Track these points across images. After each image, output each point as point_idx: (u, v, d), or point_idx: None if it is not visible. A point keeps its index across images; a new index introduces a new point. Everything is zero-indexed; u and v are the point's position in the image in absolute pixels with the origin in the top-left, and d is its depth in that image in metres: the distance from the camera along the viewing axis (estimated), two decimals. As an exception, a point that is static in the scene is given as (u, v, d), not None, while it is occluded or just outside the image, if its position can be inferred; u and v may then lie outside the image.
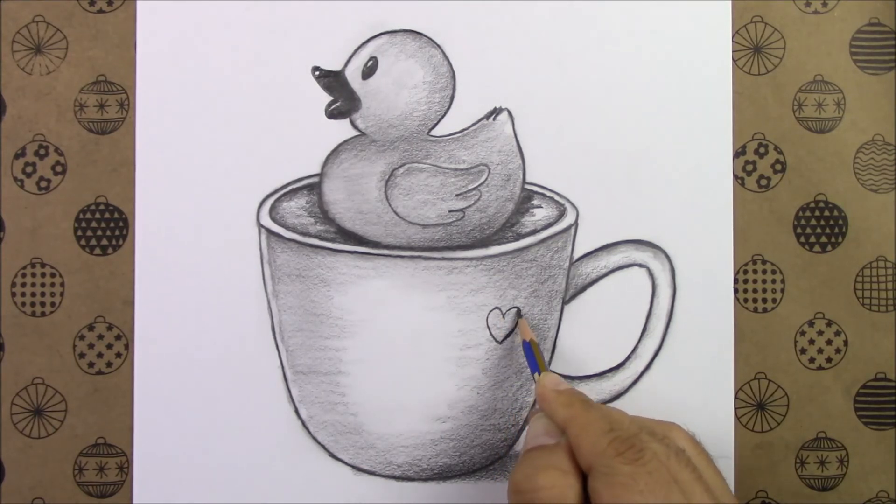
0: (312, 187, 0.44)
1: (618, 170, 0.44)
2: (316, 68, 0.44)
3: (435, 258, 0.42)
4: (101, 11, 0.44)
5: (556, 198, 0.44)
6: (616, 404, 0.44)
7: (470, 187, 0.43)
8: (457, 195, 0.43)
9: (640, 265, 0.44)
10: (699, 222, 0.44)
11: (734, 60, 0.45)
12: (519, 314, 0.43)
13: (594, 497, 0.32)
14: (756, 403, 0.44)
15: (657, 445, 0.33)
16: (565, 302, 0.44)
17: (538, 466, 0.33)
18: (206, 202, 0.44)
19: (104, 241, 0.44)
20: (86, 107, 0.44)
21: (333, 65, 0.44)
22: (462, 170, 0.43)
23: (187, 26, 0.44)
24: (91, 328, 0.44)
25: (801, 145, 0.45)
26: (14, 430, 0.44)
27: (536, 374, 0.39)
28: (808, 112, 0.45)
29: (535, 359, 0.40)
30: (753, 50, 0.45)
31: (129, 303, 0.44)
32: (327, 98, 0.44)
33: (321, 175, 0.44)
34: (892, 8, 0.45)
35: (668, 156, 0.44)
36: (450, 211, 0.43)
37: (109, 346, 0.44)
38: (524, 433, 0.38)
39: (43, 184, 0.44)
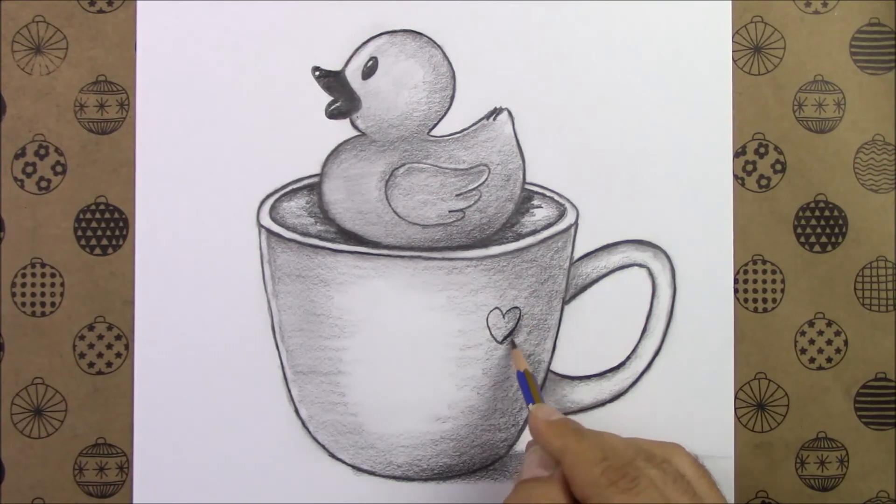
0: (312, 187, 0.44)
1: (618, 170, 0.44)
2: (316, 68, 0.44)
3: (435, 258, 0.42)
4: (101, 11, 0.44)
5: (556, 198, 0.44)
6: (616, 404, 0.44)
7: (470, 187, 0.43)
8: (457, 195, 0.43)
9: (640, 265, 0.44)
10: (699, 222, 0.44)
11: (734, 60, 0.45)
12: (513, 345, 0.43)
13: None
14: (756, 403, 0.44)
15: (654, 472, 0.32)
16: (565, 302, 0.44)
17: (532, 497, 0.33)
18: (206, 202, 0.44)
19: (104, 241, 0.44)
20: (86, 107, 0.44)
21: (333, 65, 0.44)
22: (462, 170, 0.43)
23: (187, 26, 0.44)
24: (91, 328, 0.44)
25: (801, 145, 0.45)
26: (14, 430, 0.44)
27: (531, 405, 0.39)
28: (808, 112, 0.45)
29: (530, 389, 0.39)
30: (753, 50, 0.45)
31: (129, 303, 0.44)
32: (327, 98, 0.44)
33: (321, 175, 0.44)
34: (892, 8, 0.45)
35: (668, 156, 0.44)
36: (450, 211, 0.43)
37: (109, 346, 0.44)
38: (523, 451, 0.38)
39: (43, 184, 0.44)
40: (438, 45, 0.44)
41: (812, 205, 0.45)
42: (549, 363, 0.44)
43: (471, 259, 0.42)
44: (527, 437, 0.44)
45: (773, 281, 0.45)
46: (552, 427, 0.36)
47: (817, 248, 0.45)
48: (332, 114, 0.44)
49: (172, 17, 0.44)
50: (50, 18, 0.44)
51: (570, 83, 0.44)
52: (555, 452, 0.35)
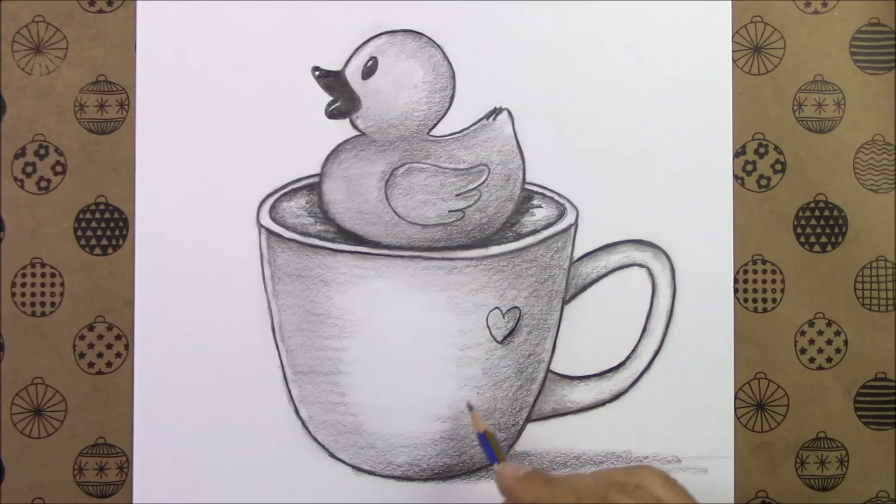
0: (312, 187, 0.44)
1: (618, 170, 0.44)
2: (316, 68, 0.44)
3: (435, 258, 0.42)
4: (101, 11, 0.45)
5: (556, 198, 0.44)
6: (616, 404, 0.44)
7: (470, 187, 0.43)
8: (457, 195, 0.43)
9: (640, 265, 0.44)
10: (699, 222, 0.44)
11: (734, 60, 0.45)
12: (470, 407, 0.42)
13: None
14: (756, 403, 0.44)
15: (628, 501, 0.33)
16: (565, 302, 0.44)
17: None
18: (206, 202, 0.44)
19: (104, 241, 0.44)
20: (86, 107, 0.44)
21: (333, 65, 0.44)
22: (462, 170, 0.43)
23: (187, 26, 0.44)
24: (91, 328, 0.44)
25: (801, 145, 0.45)
26: (14, 430, 0.44)
27: (496, 465, 0.39)
28: (808, 112, 0.45)
29: (492, 449, 0.39)
30: (753, 50, 0.45)
31: (129, 303, 0.44)
32: (327, 98, 0.44)
33: (321, 175, 0.44)
34: (892, 8, 0.45)
35: (668, 156, 0.44)
36: (450, 211, 0.43)
37: (109, 346, 0.44)
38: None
39: (43, 184, 0.44)
40: (438, 45, 0.44)
41: (812, 205, 0.45)
42: (549, 363, 0.44)
43: (471, 259, 0.42)
44: (526, 438, 0.44)
45: (773, 281, 0.45)
46: (522, 482, 0.36)
47: (817, 248, 0.45)
48: (332, 114, 0.44)
49: (172, 17, 0.44)
50: (50, 18, 0.44)
51: (570, 83, 0.44)
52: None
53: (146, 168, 0.44)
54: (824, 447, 0.45)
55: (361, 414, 0.43)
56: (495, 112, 0.44)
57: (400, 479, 0.44)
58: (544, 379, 0.44)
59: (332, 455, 0.44)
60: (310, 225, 0.43)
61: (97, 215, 0.44)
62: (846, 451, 0.44)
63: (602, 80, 0.44)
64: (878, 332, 0.45)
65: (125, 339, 0.44)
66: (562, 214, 0.44)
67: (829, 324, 0.45)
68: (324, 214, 0.43)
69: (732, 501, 0.44)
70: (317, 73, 0.44)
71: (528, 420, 0.44)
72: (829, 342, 0.45)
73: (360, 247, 0.42)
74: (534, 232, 0.43)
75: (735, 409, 0.44)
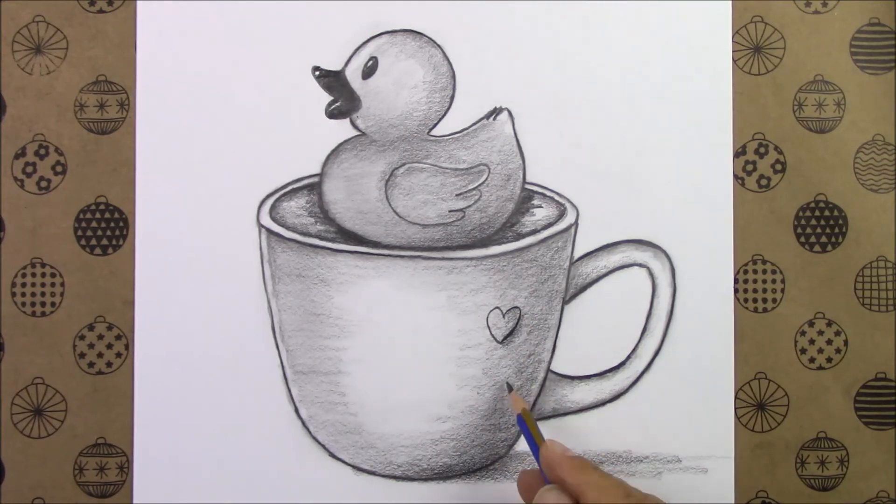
0: (312, 187, 0.44)
1: (618, 170, 0.44)
2: (316, 68, 0.44)
3: (435, 258, 0.42)
4: (101, 11, 0.45)
5: (556, 198, 0.44)
6: (616, 404, 0.44)
7: (470, 187, 0.43)
8: (457, 195, 0.43)
9: (640, 265, 0.44)
10: (699, 222, 0.44)
11: (734, 60, 0.45)
12: (509, 387, 0.42)
13: None
14: (756, 403, 0.44)
15: None
16: (565, 302, 0.44)
17: None
18: (206, 202, 0.44)
19: (104, 241, 0.44)
20: (86, 107, 0.44)
21: (333, 65, 0.44)
22: (462, 170, 0.43)
23: (187, 26, 0.44)
24: (91, 328, 0.44)
25: (801, 145, 0.45)
26: (14, 430, 0.44)
27: (546, 441, 0.39)
28: (808, 112, 0.45)
29: (531, 430, 0.39)
30: (753, 50, 0.45)
31: (129, 303, 0.44)
32: (327, 98, 0.44)
33: (321, 175, 0.44)
34: (892, 8, 0.45)
35: (668, 156, 0.44)
36: (450, 211, 0.43)
37: (109, 346, 0.44)
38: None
39: (43, 184, 0.44)
40: (438, 45, 0.44)
41: (812, 205, 0.45)
42: (549, 363, 0.44)
43: (471, 259, 0.42)
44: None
45: (773, 281, 0.45)
46: (574, 462, 0.37)
47: (817, 248, 0.45)
48: (332, 114, 0.44)
49: (172, 17, 0.44)
50: (50, 18, 0.44)
51: (570, 83, 0.44)
52: (576, 486, 0.35)
53: (146, 168, 0.44)
54: (824, 447, 0.45)
55: (361, 414, 0.43)
56: (495, 112, 0.44)
57: (400, 479, 0.44)
58: (544, 379, 0.44)
59: (332, 455, 0.44)
60: (310, 225, 0.43)
61: (97, 215, 0.44)
62: (846, 451, 0.44)
63: (602, 80, 0.44)
64: (878, 332, 0.45)
65: (125, 339, 0.44)
66: (562, 214, 0.44)
67: (829, 324, 0.45)
68: (324, 214, 0.43)
69: (732, 501, 0.44)
70: (317, 73, 0.44)
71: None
72: (829, 342, 0.45)
73: (360, 247, 0.42)
74: (534, 232, 0.43)
75: (735, 409, 0.44)
